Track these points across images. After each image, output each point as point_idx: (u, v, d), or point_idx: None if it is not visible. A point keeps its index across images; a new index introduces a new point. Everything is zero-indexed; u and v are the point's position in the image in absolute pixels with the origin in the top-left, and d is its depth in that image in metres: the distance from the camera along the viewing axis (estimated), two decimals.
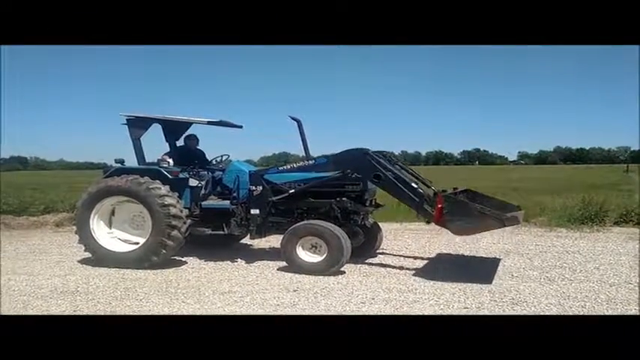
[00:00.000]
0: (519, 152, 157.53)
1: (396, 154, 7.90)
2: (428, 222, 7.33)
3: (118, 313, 5.60)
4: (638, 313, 5.49)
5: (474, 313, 5.48)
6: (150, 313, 5.60)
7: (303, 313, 5.54)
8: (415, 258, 8.47)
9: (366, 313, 5.52)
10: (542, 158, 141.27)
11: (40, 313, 5.64)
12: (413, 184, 7.25)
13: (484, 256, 8.58)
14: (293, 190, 7.78)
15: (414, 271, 7.34)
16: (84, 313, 5.60)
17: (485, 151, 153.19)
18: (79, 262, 8.25)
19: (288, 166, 8.00)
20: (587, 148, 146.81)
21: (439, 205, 6.77)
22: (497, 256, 8.37)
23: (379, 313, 5.51)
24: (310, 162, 7.85)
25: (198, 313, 5.55)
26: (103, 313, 5.60)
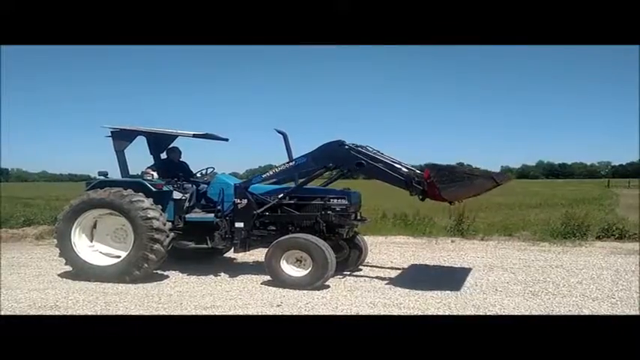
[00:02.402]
0: (502, 167, 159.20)
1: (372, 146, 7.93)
2: (422, 199, 7.09)
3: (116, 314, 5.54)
4: (638, 313, 5.54)
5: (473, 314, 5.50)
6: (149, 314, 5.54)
7: (302, 314, 5.49)
8: (400, 271, 8.47)
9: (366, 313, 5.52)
10: (524, 173, 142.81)
11: (39, 313, 5.55)
12: (396, 165, 7.23)
13: (467, 267, 8.61)
14: (281, 195, 7.76)
15: (398, 285, 7.32)
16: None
17: (468, 165, 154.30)
18: (59, 275, 8.10)
19: (271, 172, 7.94)
20: (570, 163, 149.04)
21: (427, 177, 6.69)
22: (482, 270, 8.39)
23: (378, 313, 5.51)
24: (291, 163, 7.80)
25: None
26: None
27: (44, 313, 5.98)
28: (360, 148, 7.35)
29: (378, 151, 7.61)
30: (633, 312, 5.89)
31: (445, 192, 6.61)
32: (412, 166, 7.46)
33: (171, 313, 5.94)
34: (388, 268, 8.81)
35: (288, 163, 7.86)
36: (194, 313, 5.95)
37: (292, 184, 8.17)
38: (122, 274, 7.45)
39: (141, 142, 8.74)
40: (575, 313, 5.87)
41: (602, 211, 16.73)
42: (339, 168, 7.66)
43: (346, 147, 7.32)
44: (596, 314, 5.50)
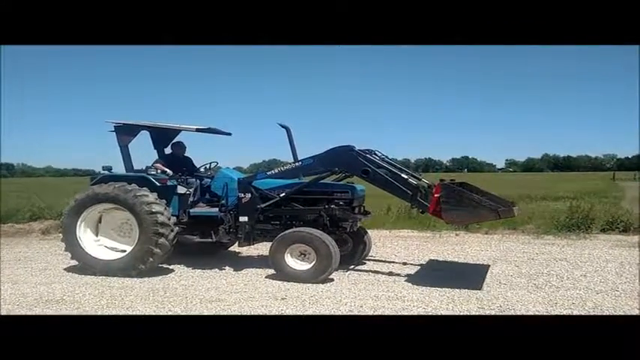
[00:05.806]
0: (507, 160, 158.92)
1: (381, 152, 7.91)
2: (422, 212, 7.24)
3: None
4: (638, 313, 5.54)
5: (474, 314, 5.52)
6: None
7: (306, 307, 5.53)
8: (403, 265, 8.48)
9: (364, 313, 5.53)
10: (529, 166, 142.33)
11: (45, 307, 5.62)
12: (404, 176, 7.17)
13: (472, 262, 8.62)
14: (284, 194, 7.76)
15: (402, 279, 7.35)
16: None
17: (473, 158, 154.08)
18: (64, 270, 8.16)
19: (276, 170, 7.95)
20: (575, 156, 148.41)
21: (436, 195, 6.69)
22: (486, 263, 8.40)
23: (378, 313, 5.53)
24: (297, 164, 7.80)
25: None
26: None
27: (50, 307, 6.05)
28: (368, 155, 7.34)
29: (387, 157, 7.61)
30: (637, 304, 5.90)
31: (445, 213, 6.67)
32: (420, 175, 7.48)
33: (176, 307, 5.99)
34: (392, 261, 8.83)
35: (294, 163, 7.86)
36: (199, 306, 5.99)
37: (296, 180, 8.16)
38: (128, 268, 7.50)
39: (145, 137, 8.77)
40: (579, 306, 5.87)
41: (607, 204, 16.64)
42: (345, 173, 7.69)
43: (354, 153, 7.31)
44: (596, 314, 5.50)
